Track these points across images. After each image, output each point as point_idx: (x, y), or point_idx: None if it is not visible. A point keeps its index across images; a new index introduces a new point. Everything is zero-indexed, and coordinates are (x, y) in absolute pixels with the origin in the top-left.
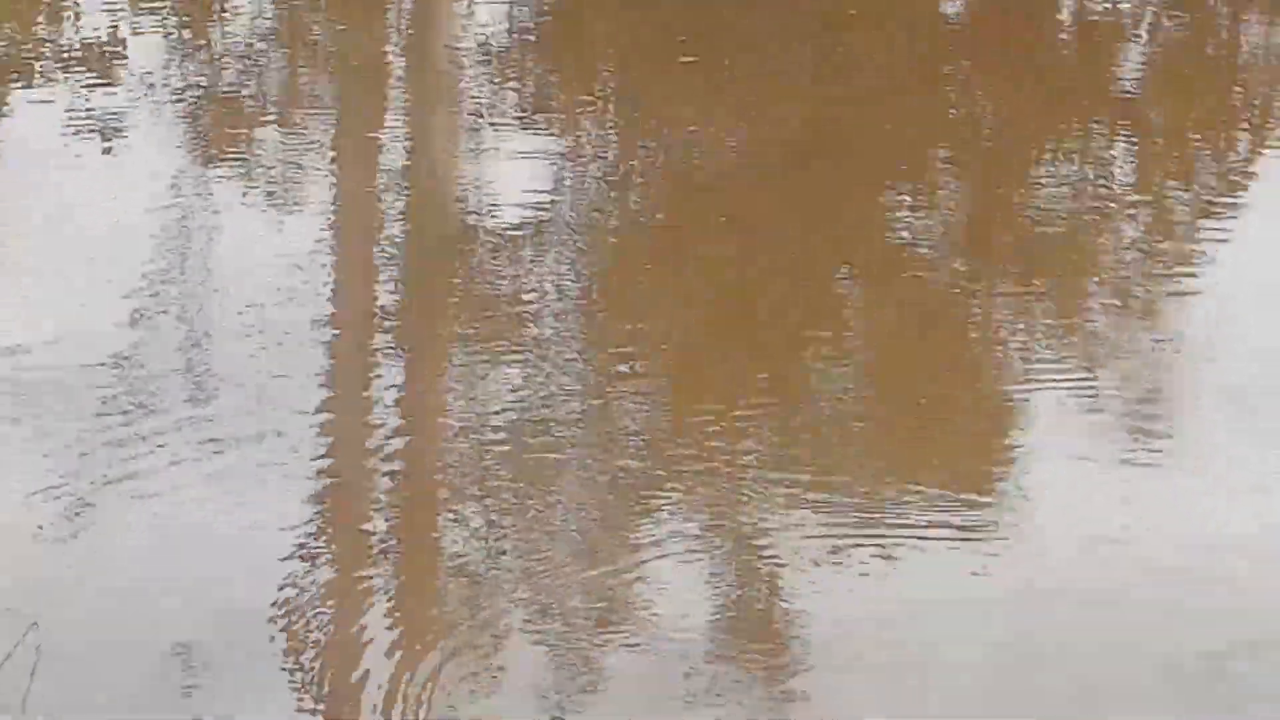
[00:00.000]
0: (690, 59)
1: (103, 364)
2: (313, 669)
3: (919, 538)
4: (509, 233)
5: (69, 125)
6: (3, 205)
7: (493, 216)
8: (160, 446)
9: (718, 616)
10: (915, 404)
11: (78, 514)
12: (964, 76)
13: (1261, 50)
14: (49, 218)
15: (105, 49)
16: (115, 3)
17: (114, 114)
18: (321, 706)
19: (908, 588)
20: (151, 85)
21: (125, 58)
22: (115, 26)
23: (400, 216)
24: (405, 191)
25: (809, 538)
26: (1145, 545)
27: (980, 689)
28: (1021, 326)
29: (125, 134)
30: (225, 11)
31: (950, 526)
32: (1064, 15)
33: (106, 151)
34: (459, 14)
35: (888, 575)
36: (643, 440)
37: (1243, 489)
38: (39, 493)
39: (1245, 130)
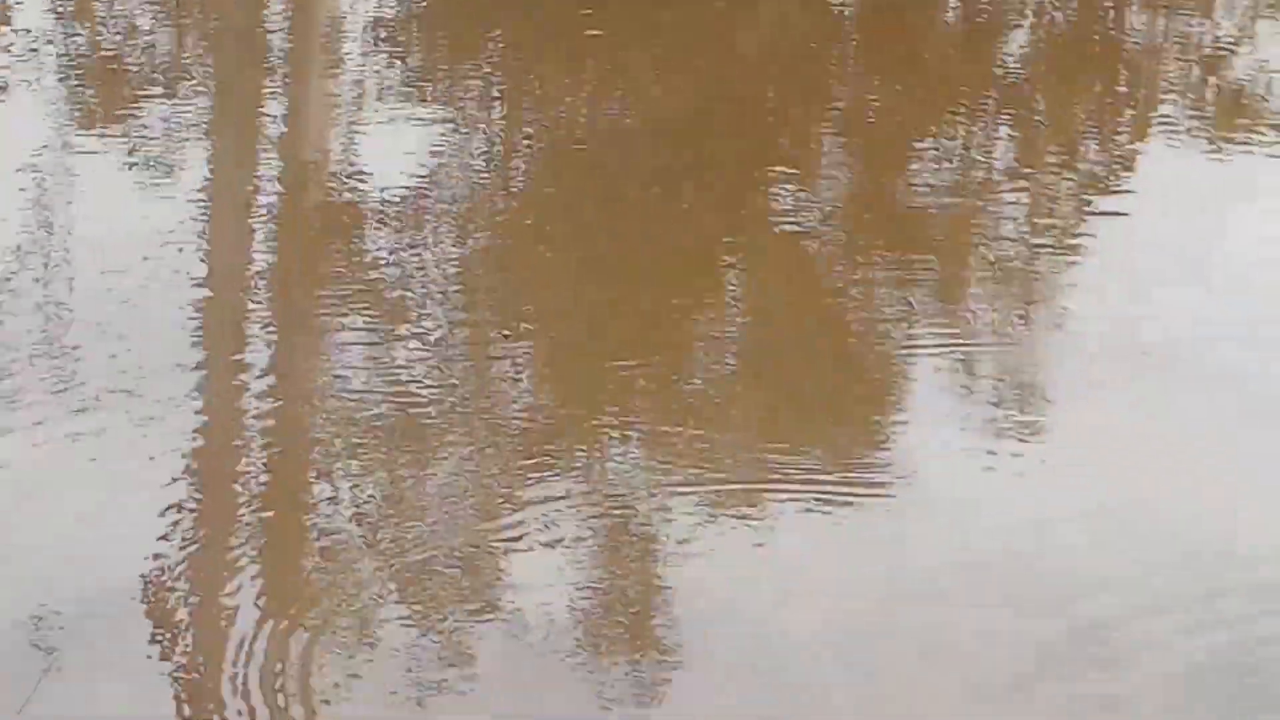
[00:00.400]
0: (596, 32)
1: None
2: (177, 642)
3: (800, 509)
4: (388, 205)
5: None
6: None
7: (373, 189)
8: (21, 410)
9: (591, 593)
10: (798, 379)
11: None
12: (851, 58)
13: (1145, 37)
14: None
15: None
16: None
17: None
18: (185, 680)
19: (787, 562)
20: (33, 50)
21: (6, 21)
22: None
23: (278, 188)
24: (284, 163)
25: (689, 511)
26: (1018, 518)
27: (855, 661)
28: (903, 302)
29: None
30: None
31: (830, 500)
32: (951, 1)
33: None
34: None
35: (765, 551)
36: (522, 412)
37: (1117, 464)
38: None
39: (1129, 114)
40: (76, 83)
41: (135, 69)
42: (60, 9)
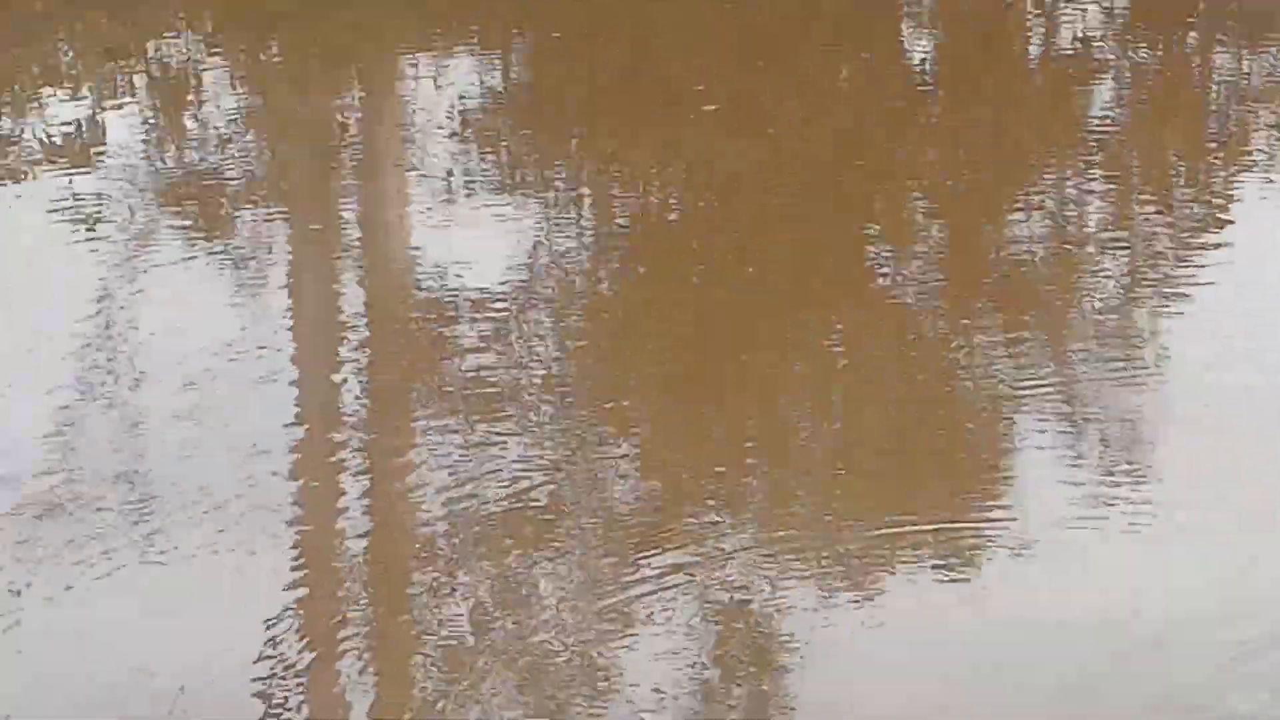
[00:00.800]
0: (712, 107)
1: (48, 448)
2: None
3: (910, 583)
4: (478, 298)
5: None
6: None
7: (461, 283)
8: (101, 552)
9: (703, 691)
10: (900, 446)
11: (34, 615)
12: (936, 114)
13: (1232, 79)
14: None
15: (75, 137)
16: (83, 92)
17: (88, 198)
18: None
19: (901, 638)
20: (124, 166)
21: (98, 143)
22: (92, 112)
23: (364, 295)
24: (368, 270)
25: (802, 596)
26: (1129, 584)
27: None
28: (1002, 362)
29: (87, 219)
30: (199, 94)
31: (940, 570)
32: (1031, 51)
33: (88, 233)
34: (429, 83)
35: (878, 626)
36: (627, 509)
37: (1228, 511)
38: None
39: (1220, 160)
40: (159, 197)
41: (215, 180)
42: (148, 124)
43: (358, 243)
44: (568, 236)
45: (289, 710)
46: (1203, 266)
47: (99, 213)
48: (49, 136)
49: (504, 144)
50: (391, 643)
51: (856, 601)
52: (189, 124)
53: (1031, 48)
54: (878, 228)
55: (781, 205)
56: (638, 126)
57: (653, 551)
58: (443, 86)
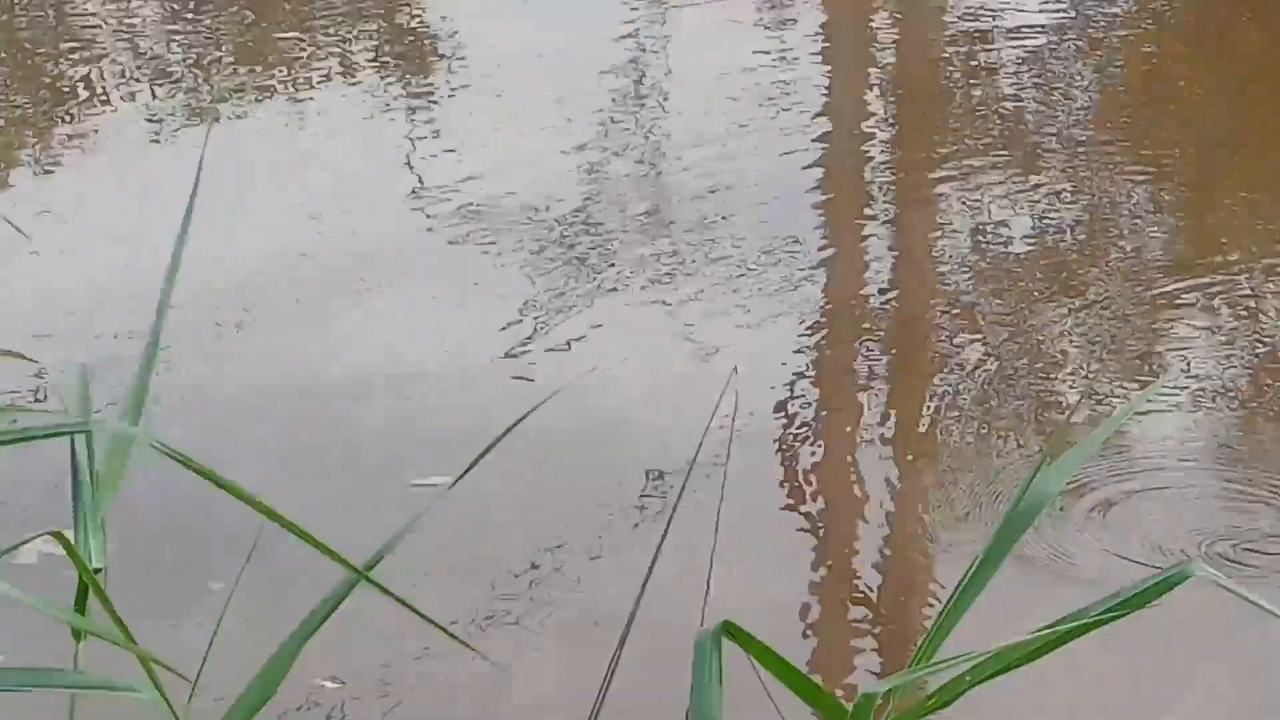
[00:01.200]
0: None
1: (572, 178)
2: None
3: None
4: (1014, 43)
5: None
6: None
7: (995, 19)
8: (619, 273)
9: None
10: None
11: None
12: None
13: None
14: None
15: None
16: None
17: None
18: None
19: None
20: None
21: None
22: None
23: (894, 21)
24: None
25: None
26: None
27: None
28: None
29: None
30: None
31: None
32: None
33: None
34: None
35: None
36: (1158, 250)
37: None
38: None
39: None
40: None
41: None
42: None
43: None
44: None
45: (806, 428)
46: None
47: None
48: None
49: None
50: (904, 366)
51: None
52: None
53: None
54: None
55: None
56: None
57: (1179, 279)
58: None
